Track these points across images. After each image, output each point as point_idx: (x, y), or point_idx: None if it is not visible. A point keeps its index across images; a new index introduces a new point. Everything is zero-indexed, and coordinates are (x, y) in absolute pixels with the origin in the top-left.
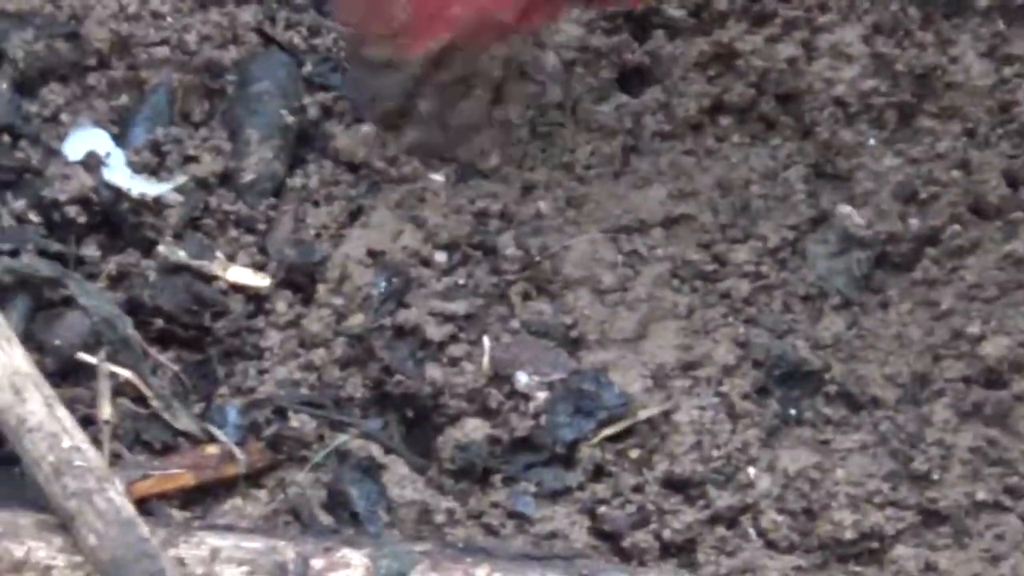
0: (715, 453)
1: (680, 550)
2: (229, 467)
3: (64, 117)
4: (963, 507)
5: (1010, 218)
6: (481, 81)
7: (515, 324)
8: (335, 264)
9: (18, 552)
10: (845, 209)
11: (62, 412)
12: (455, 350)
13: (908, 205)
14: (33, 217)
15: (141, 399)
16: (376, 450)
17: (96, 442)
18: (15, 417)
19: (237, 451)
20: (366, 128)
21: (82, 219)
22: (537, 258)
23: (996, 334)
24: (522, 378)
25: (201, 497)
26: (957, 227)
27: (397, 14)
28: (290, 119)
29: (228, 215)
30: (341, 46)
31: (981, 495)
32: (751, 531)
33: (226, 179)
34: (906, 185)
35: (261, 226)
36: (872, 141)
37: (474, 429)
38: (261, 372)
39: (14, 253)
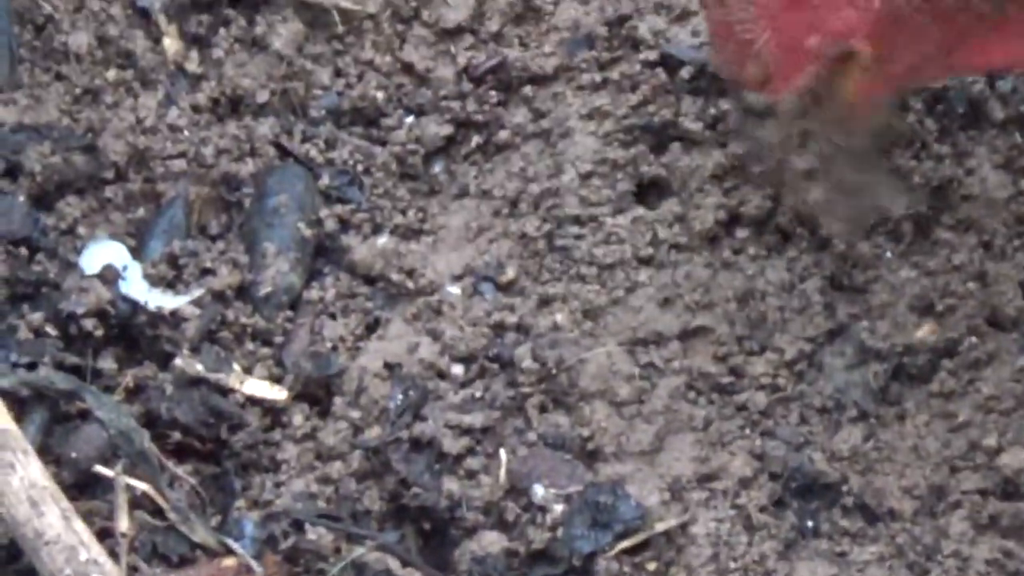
0: (732, 565)
1: None
2: None
3: (81, 230)
4: None
5: None
6: (858, 125)
7: (532, 436)
8: (352, 377)
9: None
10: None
11: (79, 525)
12: (472, 463)
13: (924, 317)
14: (50, 330)
15: (158, 512)
16: (393, 563)
17: (113, 555)
18: (32, 530)
19: (254, 564)
20: (383, 240)
21: (99, 332)
22: (554, 370)
23: (1013, 446)
24: (539, 491)
25: None
26: (974, 339)
27: (760, 54)
28: (307, 232)
29: (245, 328)
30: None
31: None
32: None
33: (243, 292)
34: (922, 297)
35: (278, 339)
36: (889, 253)
37: (491, 542)
38: (278, 485)
39: (31, 366)
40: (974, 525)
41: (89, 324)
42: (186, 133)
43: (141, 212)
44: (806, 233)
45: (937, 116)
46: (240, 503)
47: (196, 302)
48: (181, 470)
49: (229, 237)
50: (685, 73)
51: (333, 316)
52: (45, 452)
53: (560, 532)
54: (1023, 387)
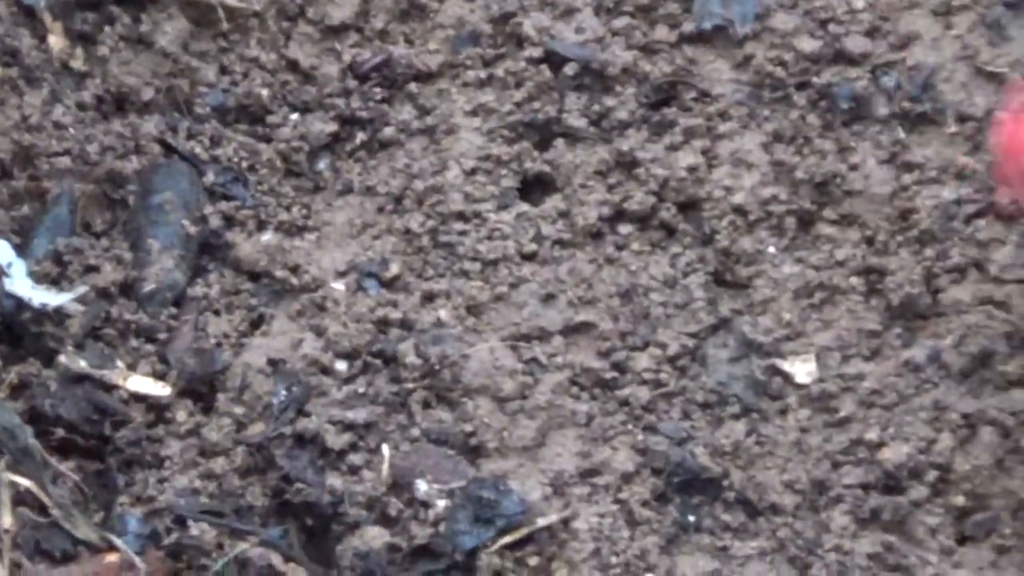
0: (614, 560)
1: None
2: (127, 574)
3: None
4: None
5: (909, 325)
6: None
7: (415, 432)
8: (235, 373)
9: None
10: None
11: None
12: (355, 458)
13: (807, 311)
14: None
15: (41, 508)
16: (276, 559)
17: None
18: None
19: (137, 560)
20: (267, 237)
21: None
22: (437, 366)
23: (895, 440)
24: (422, 486)
25: None
26: (856, 335)
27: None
28: (192, 229)
29: (129, 325)
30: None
31: None
32: None
33: (127, 289)
34: (805, 292)
35: (162, 335)
36: (772, 248)
37: (374, 537)
38: (161, 481)
39: None
40: (855, 519)
41: None
42: (71, 131)
43: (26, 210)
44: (690, 229)
45: (821, 112)
46: (123, 499)
47: (80, 299)
48: (64, 467)
49: (113, 234)
50: (569, 70)
51: (217, 313)
52: None
53: (443, 527)
54: (905, 382)
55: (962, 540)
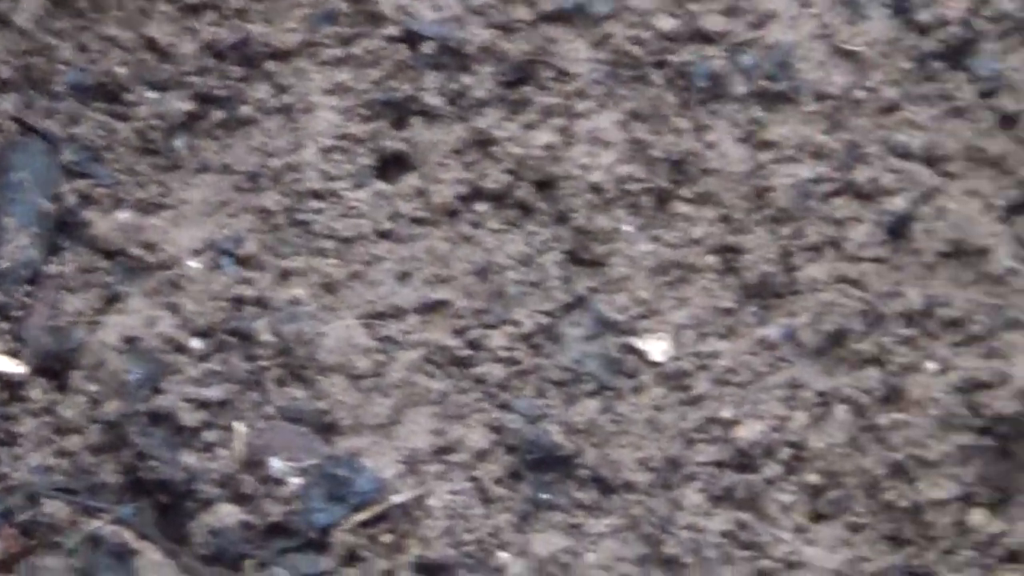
0: (467, 537)
1: None
2: None
3: None
4: None
5: (765, 303)
6: None
7: (270, 410)
8: (90, 351)
9: None
10: None
11: None
12: (209, 436)
13: (662, 290)
14: None
15: None
16: (129, 536)
17: None
18: None
19: None
20: (124, 215)
21: None
22: (292, 344)
23: (749, 418)
24: (276, 463)
25: None
26: (711, 313)
27: None
28: (48, 207)
29: None
30: None
31: None
32: None
33: None
34: (661, 270)
35: (16, 313)
36: (627, 227)
37: (227, 515)
38: (15, 458)
39: None
40: (709, 497)
41: None
42: None
43: None
44: (546, 207)
45: (678, 90)
46: None
47: None
48: None
49: None
50: (427, 48)
51: (72, 291)
52: None
53: (297, 505)
54: (760, 360)
55: (816, 518)
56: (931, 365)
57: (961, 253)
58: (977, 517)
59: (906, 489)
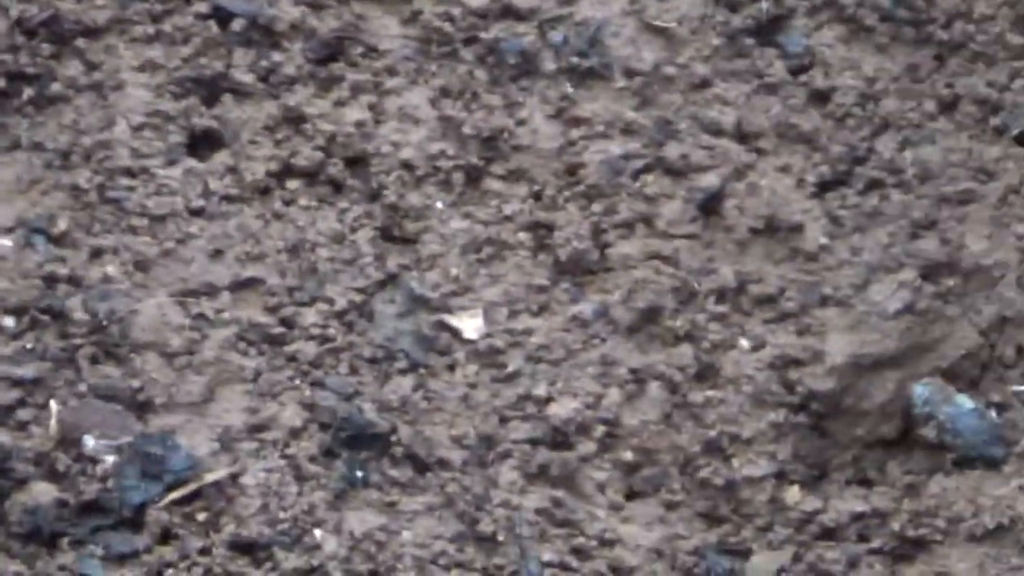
0: (282, 515)
1: None
2: None
3: None
4: (531, 571)
5: (577, 280)
6: None
7: (83, 388)
8: None
9: None
10: None
11: None
12: (23, 414)
13: (475, 267)
14: None
15: None
16: None
17: None
18: None
19: None
20: None
21: None
22: (105, 322)
23: (563, 395)
24: (90, 442)
25: None
26: (524, 290)
27: None
28: None
29: None
30: None
31: (547, 556)
32: None
33: None
34: (473, 247)
35: None
36: (439, 204)
37: (42, 492)
38: None
39: None
40: (524, 474)
41: None
42: None
43: None
44: (357, 184)
45: (488, 67)
46: None
47: None
48: None
49: None
50: (237, 25)
51: None
52: None
53: (111, 483)
54: (573, 337)
55: (631, 495)
56: (744, 342)
57: (773, 230)
58: (792, 494)
59: (721, 466)
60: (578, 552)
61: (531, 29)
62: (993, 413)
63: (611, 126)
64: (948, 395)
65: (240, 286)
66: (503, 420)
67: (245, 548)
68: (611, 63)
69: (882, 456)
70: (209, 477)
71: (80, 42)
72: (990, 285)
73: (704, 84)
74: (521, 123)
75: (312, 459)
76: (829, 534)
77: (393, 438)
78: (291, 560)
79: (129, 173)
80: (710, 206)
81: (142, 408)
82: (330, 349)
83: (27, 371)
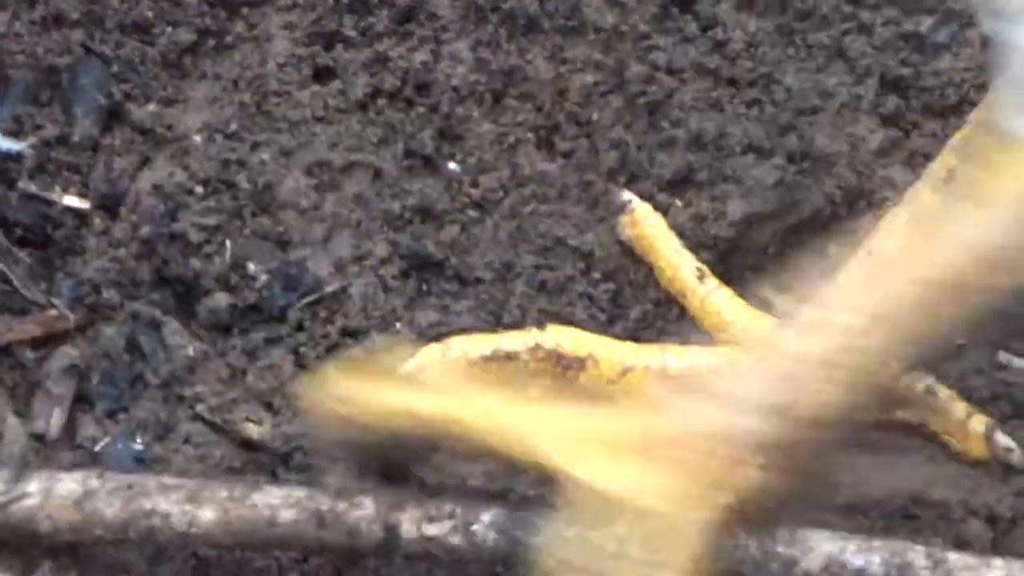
0: (375, 313)
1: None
2: (62, 323)
3: None
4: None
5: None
6: None
7: (247, 232)
8: (132, 193)
9: None
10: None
11: None
12: (207, 248)
13: (499, 153)
14: None
15: (5, 280)
16: (157, 314)
17: None
18: None
19: (69, 313)
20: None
21: None
22: (261, 189)
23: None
24: (251, 267)
25: (44, 343)
26: (528, 169)
27: None
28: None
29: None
30: None
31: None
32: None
33: None
34: (497, 141)
35: (84, 169)
36: (475, 114)
37: (220, 299)
38: (84, 263)
39: None
40: (531, 288)
41: None
42: None
43: None
44: (424, 101)
45: (507, 27)
46: (59, 275)
47: (31, 146)
48: (22, 254)
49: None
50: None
51: (120, 155)
52: None
53: (264, 293)
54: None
55: None
56: (678, 204)
57: (697, 137)
58: None
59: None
60: None
61: (534, 2)
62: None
63: (586, 64)
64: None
65: (348, 166)
66: (517, 254)
67: (351, 333)
68: (586, 23)
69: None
70: (328, 289)
71: (244, 10)
72: (831, 167)
73: (646, 36)
74: (529, 63)
75: (394, 277)
76: None
77: (446, 264)
78: (380, 340)
79: (276, 94)
80: (652, 118)
81: (284, 245)
82: (405, 206)
83: (210, 220)
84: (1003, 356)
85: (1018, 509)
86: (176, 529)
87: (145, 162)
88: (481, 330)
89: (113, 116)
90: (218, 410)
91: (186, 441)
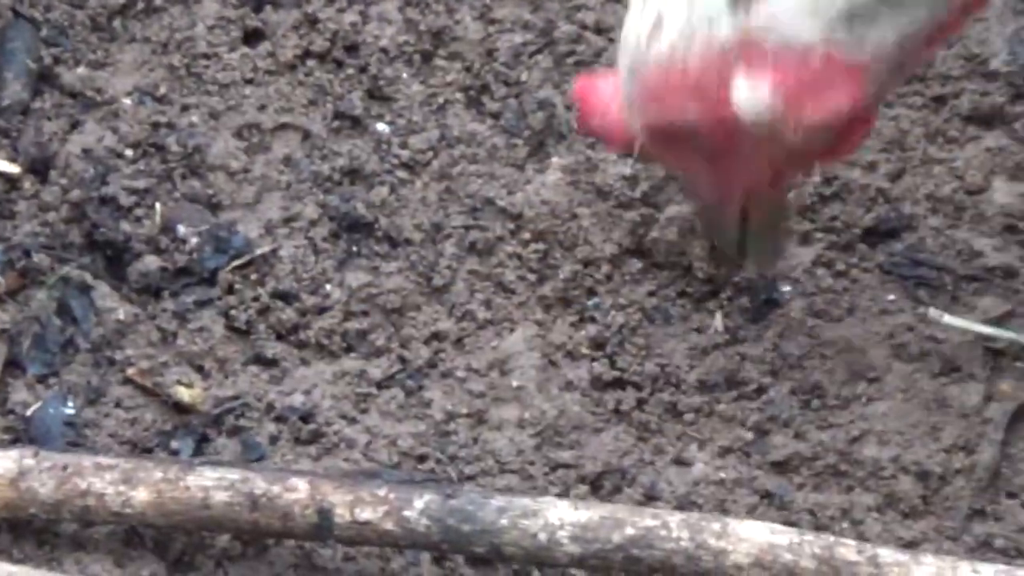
0: (305, 275)
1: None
2: None
3: None
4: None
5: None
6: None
7: (177, 194)
8: (61, 157)
9: None
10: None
11: None
12: (138, 212)
13: (427, 114)
14: None
15: None
16: (88, 277)
17: None
18: None
19: (0, 278)
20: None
21: None
22: (191, 152)
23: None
24: (181, 229)
25: None
26: (457, 130)
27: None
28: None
29: None
30: None
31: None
32: None
33: None
34: (426, 103)
35: (14, 134)
36: (404, 75)
37: (151, 262)
38: (14, 227)
39: None
40: (460, 249)
41: None
42: None
43: None
44: (353, 62)
45: None
46: None
47: None
48: None
49: None
50: None
51: (50, 119)
52: None
53: (195, 255)
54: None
55: None
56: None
57: None
58: None
59: None
60: None
61: None
62: None
63: (515, 24)
64: None
65: (277, 128)
66: (447, 214)
67: (281, 296)
68: None
69: None
70: (258, 251)
71: None
72: None
73: None
74: (457, 23)
75: (324, 239)
76: None
77: (376, 225)
78: (311, 301)
79: (205, 57)
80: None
81: (214, 207)
82: (334, 167)
83: (139, 183)
84: (933, 312)
85: (948, 466)
86: (110, 509)
87: (75, 126)
88: (411, 290)
89: (43, 80)
90: (149, 373)
91: (117, 405)
